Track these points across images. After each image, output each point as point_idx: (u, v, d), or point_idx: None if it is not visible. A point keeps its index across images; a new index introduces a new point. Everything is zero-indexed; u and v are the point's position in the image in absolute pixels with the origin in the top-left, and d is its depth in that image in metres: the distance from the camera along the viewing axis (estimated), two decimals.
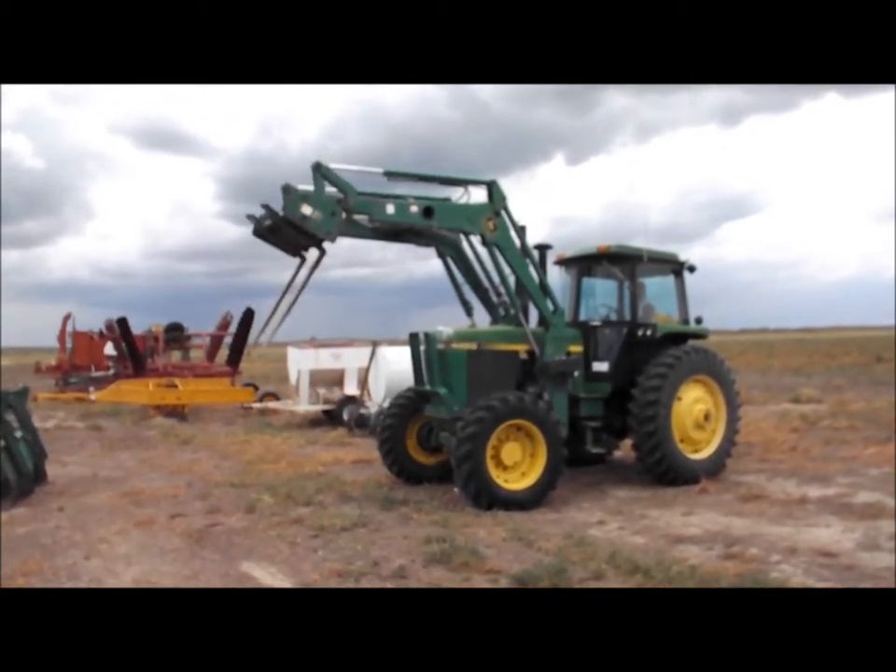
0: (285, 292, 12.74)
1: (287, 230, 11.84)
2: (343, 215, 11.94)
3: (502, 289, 13.62)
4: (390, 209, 12.20)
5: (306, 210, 11.53)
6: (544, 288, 13.59)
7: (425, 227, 12.60)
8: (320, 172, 11.81)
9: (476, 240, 13.35)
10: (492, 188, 12.94)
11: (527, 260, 13.33)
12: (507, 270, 13.22)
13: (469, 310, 14.30)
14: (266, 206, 11.76)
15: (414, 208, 12.36)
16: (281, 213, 11.63)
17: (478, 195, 13.09)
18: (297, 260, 12.72)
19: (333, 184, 11.88)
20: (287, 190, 11.57)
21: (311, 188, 11.77)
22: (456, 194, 13.12)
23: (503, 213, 12.95)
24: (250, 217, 12.28)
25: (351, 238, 12.80)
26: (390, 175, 12.57)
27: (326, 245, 12.31)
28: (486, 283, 13.97)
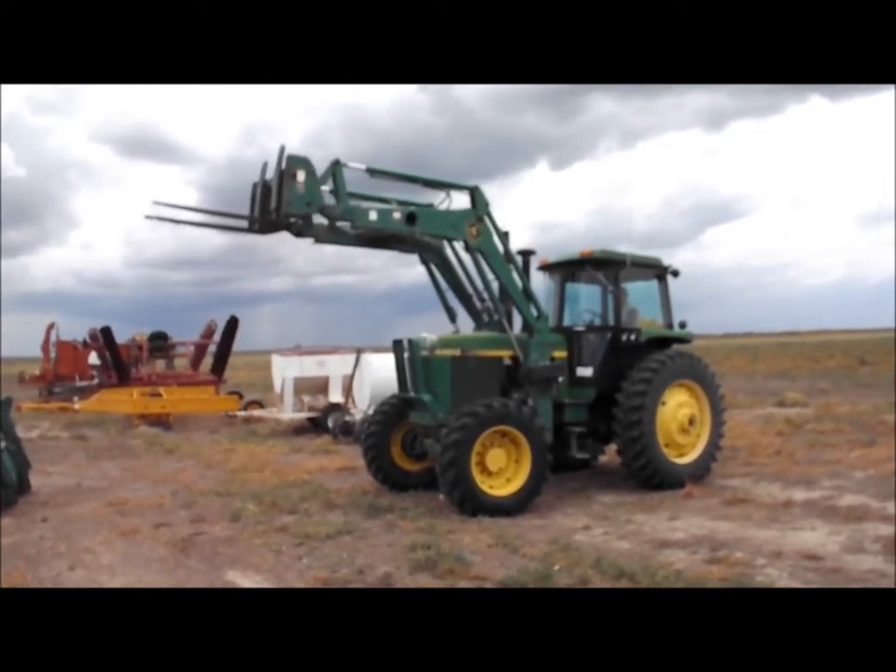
0: (212, 223, 12.83)
1: (273, 192, 11.77)
2: (325, 221, 11.96)
3: (486, 295, 13.63)
4: (373, 216, 12.18)
5: (300, 176, 11.58)
6: (528, 294, 13.60)
7: (408, 233, 12.59)
8: (334, 168, 11.95)
9: (459, 246, 13.35)
10: (475, 193, 12.96)
11: (511, 266, 13.34)
12: (490, 276, 13.23)
13: (452, 316, 14.29)
14: (282, 148, 11.68)
15: (397, 215, 12.33)
16: (283, 164, 11.64)
17: (461, 201, 13.11)
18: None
19: (335, 185, 11.94)
20: (304, 158, 11.71)
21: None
22: (438, 199, 13.14)
23: (486, 219, 12.97)
24: (265, 165, 12.10)
25: (333, 245, 12.78)
26: (373, 172, 12.56)
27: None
28: (470, 289, 13.98)
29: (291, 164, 11.62)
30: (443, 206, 13.14)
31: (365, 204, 12.40)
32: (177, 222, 12.64)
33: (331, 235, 12.37)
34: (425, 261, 13.74)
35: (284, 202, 11.59)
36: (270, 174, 11.94)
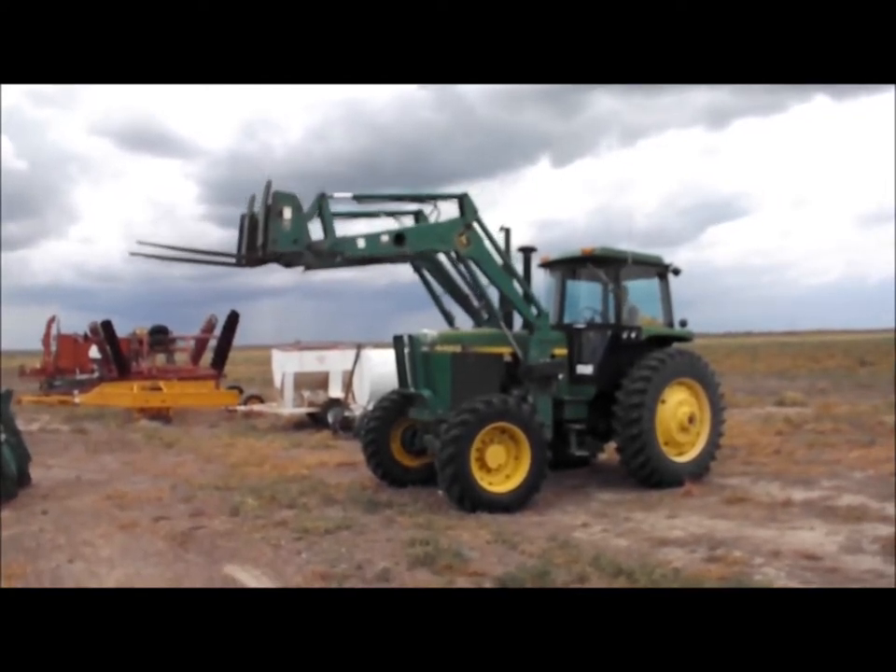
0: (195, 260, 12.83)
1: (259, 229, 11.67)
2: (309, 254, 11.88)
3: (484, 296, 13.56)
4: (361, 244, 12.07)
5: (286, 213, 11.49)
6: (526, 294, 13.59)
7: (398, 254, 12.55)
8: (320, 202, 11.83)
9: None
10: (463, 201, 12.88)
11: (507, 270, 13.31)
12: (485, 281, 13.19)
13: (450, 320, 14.29)
14: (269, 183, 11.61)
15: (385, 238, 12.21)
16: (269, 200, 11.53)
17: (451, 205, 13.08)
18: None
19: (323, 220, 11.85)
20: (291, 195, 11.60)
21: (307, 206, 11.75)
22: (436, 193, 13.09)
23: (476, 225, 12.89)
24: (252, 197, 12.05)
25: (324, 269, 12.68)
26: (360, 198, 12.55)
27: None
28: (466, 289, 13.96)
29: (277, 201, 11.51)
30: (432, 218, 13.14)
31: (353, 230, 12.35)
32: (163, 258, 12.67)
33: (321, 263, 12.26)
34: (417, 269, 13.71)
35: (270, 240, 11.48)
36: (258, 206, 11.85)
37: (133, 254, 12.48)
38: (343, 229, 12.25)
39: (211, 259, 12.72)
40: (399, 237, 12.31)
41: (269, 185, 11.58)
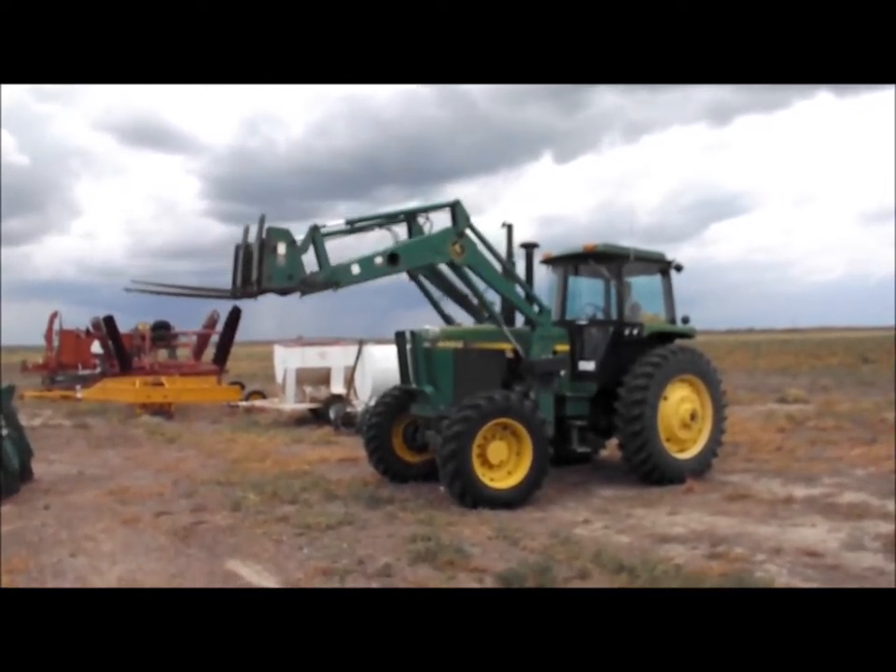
0: (194, 293, 12.86)
1: (254, 264, 11.59)
2: (300, 284, 11.77)
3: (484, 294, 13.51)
4: (356, 270, 11.97)
5: (280, 248, 11.39)
6: (527, 295, 13.60)
7: (394, 272, 12.50)
8: (313, 234, 11.74)
9: None
10: (455, 209, 12.83)
11: (504, 272, 13.32)
12: (482, 286, 13.19)
13: (449, 323, 14.24)
14: (262, 218, 11.53)
15: (379, 259, 12.12)
16: (263, 235, 11.48)
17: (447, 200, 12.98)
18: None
19: (317, 251, 11.77)
20: (284, 230, 11.56)
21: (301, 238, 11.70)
22: (435, 196, 13.07)
23: (469, 232, 12.85)
24: (246, 228, 11.94)
25: (318, 293, 12.56)
26: (352, 223, 12.54)
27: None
28: (464, 289, 13.91)
29: (271, 237, 11.40)
30: (426, 227, 13.12)
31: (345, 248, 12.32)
32: (159, 293, 12.71)
33: (316, 290, 12.15)
34: (413, 277, 13.63)
35: (264, 277, 11.39)
36: (252, 237, 11.73)
37: (127, 290, 12.56)
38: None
39: (206, 293, 12.73)
40: (392, 256, 12.22)
41: (262, 219, 11.51)
